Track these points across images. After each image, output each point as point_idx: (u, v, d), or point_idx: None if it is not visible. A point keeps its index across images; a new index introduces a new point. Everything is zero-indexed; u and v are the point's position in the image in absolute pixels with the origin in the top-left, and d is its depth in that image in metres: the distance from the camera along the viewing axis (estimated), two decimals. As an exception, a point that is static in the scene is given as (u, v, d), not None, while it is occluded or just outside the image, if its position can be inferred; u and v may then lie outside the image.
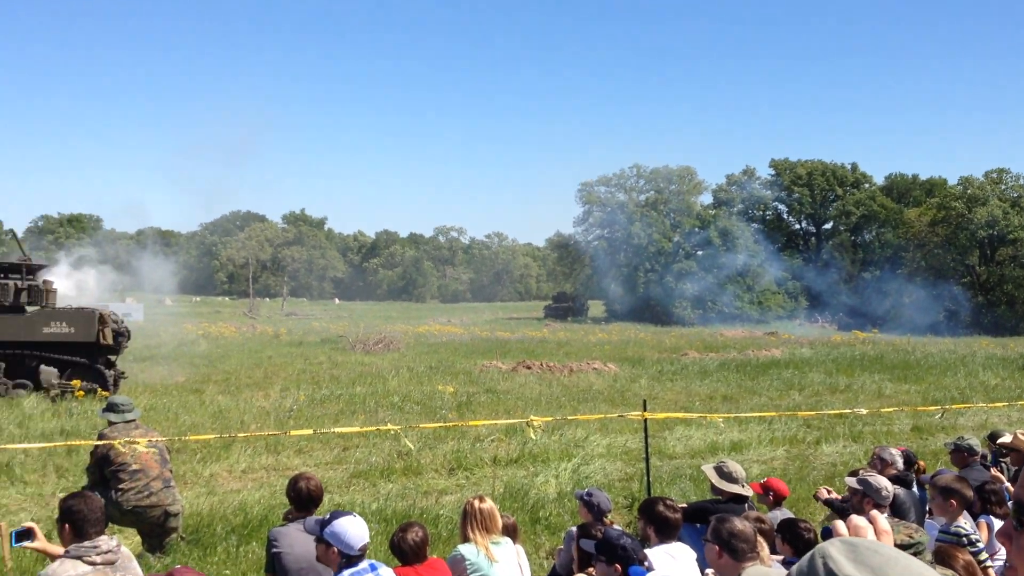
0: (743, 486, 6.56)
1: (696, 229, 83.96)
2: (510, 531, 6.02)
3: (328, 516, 4.75)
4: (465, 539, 5.61)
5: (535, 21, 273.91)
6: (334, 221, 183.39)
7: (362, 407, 17.24)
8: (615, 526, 6.07)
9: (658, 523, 5.33)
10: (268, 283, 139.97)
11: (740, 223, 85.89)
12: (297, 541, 5.45)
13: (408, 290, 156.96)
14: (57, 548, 4.83)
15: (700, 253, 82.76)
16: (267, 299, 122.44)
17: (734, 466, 6.65)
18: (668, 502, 5.49)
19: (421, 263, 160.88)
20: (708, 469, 6.80)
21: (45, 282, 20.02)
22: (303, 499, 5.78)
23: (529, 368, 25.58)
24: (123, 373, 20.33)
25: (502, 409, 17.41)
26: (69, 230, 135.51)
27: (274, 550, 5.52)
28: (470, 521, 5.63)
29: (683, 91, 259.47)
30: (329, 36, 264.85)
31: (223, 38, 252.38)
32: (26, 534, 4.95)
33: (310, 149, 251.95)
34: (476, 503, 5.67)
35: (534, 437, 11.24)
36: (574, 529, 5.95)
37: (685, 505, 6.31)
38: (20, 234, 31.50)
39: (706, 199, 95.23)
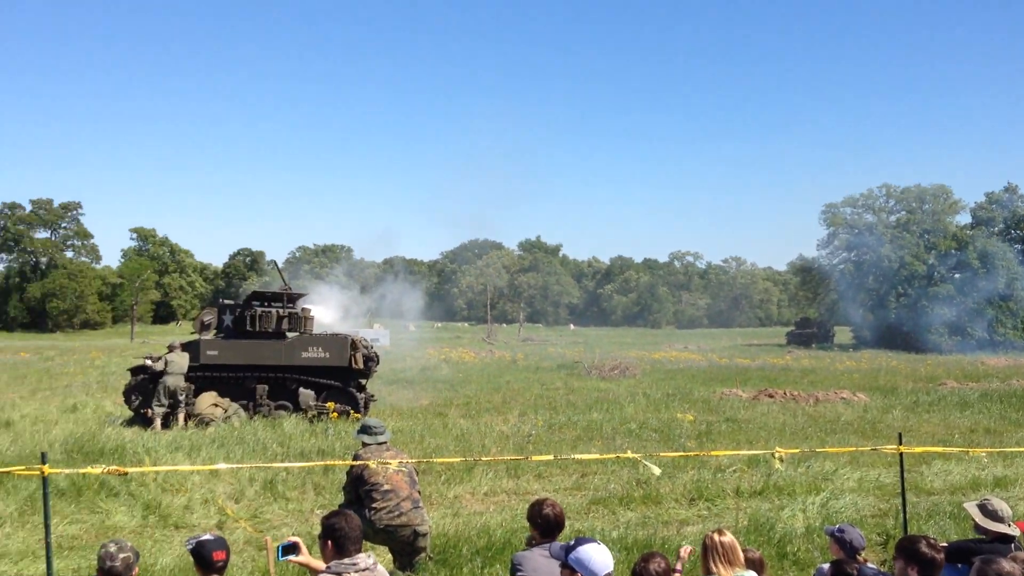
0: (1009, 525, 6.06)
1: (952, 251, 78.93)
2: (756, 566, 5.81)
3: (573, 542, 4.75)
4: (707, 573, 5.45)
5: (769, 37, 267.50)
6: (569, 247, 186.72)
7: (599, 434, 17.26)
8: (870, 564, 5.76)
9: (921, 563, 5.00)
10: (505, 309, 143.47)
11: (1001, 244, 79.88)
12: (541, 566, 5.46)
13: (643, 316, 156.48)
14: (319, 563, 5.08)
15: (957, 276, 77.62)
16: (504, 325, 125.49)
17: (999, 504, 6.15)
18: (931, 541, 5.14)
19: (656, 288, 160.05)
20: (971, 507, 6.32)
21: (303, 309, 21.23)
22: (549, 525, 5.80)
23: (771, 397, 24.79)
24: (373, 396, 21.26)
25: (744, 439, 16.94)
26: (323, 259, 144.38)
27: (519, 574, 5.57)
28: (711, 555, 5.47)
29: (935, 106, 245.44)
30: (564, 65, 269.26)
31: (461, 78, 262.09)
32: (292, 548, 5.24)
33: (546, 176, 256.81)
34: (716, 536, 5.51)
35: (779, 469, 10.85)
36: (826, 567, 5.68)
37: (946, 544, 5.89)
38: (280, 264, 33.75)
39: (963, 219, 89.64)
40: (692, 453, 12.99)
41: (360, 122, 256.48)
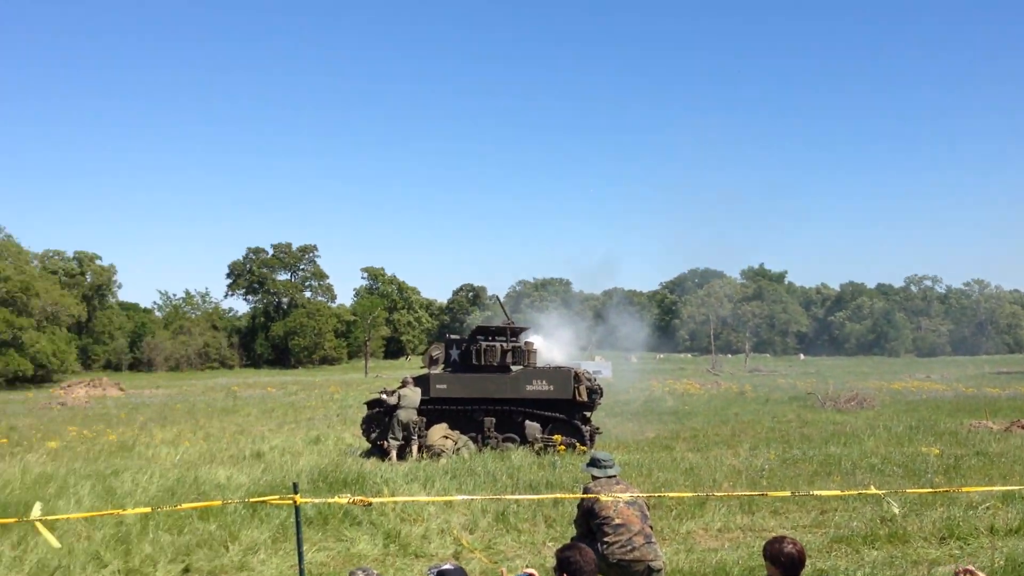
0: None
1: None
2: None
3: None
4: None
5: (1008, 41, 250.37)
6: (795, 274, 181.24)
7: (838, 468, 16.46)
8: None
9: None
10: (729, 339, 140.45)
11: None
12: (784, 607, 5.24)
13: (879, 344, 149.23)
14: (555, 596, 5.08)
15: None
16: (729, 355, 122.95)
17: None
18: None
19: (892, 315, 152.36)
20: None
21: (526, 343, 21.51)
22: (792, 563, 5.56)
23: (1026, 428, 22.94)
24: (598, 429, 21.21)
25: (996, 473, 15.69)
26: (543, 293, 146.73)
27: (761, 615, 5.35)
28: (962, 597, 5.05)
29: None
30: (789, 90, 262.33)
31: (679, 106, 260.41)
32: (528, 580, 5.26)
33: (767, 203, 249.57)
34: (967, 578, 5.09)
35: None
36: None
37: None
38: (502, 298, 34.45)
39: None
40: (941, 489, 12.18)
41: (576, 154, 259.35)
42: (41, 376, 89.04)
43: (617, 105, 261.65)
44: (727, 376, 67.66)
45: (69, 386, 63.92)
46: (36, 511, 6.95)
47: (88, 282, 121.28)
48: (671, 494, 11.68)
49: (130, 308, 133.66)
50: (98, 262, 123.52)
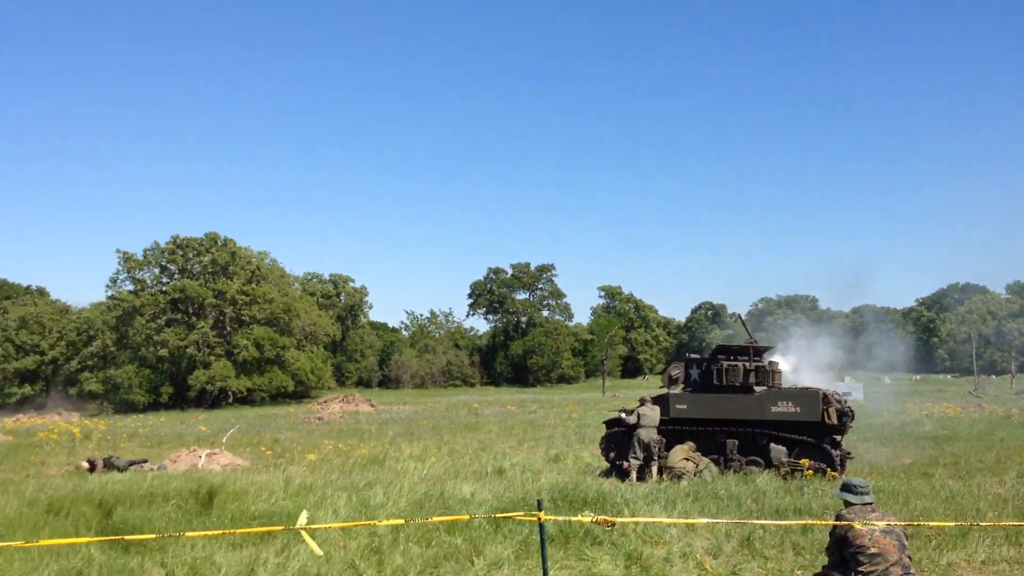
0: None
1: None
2: None
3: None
4: None
5: None
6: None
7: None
8: None
9: None
10: (993, 359, 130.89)
11: None
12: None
13: None
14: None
15: None
16: (993, 376, 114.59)
17: None
18: None
19: None
20: None
21: (771, 363, 20.84)
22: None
23: None
24: (849, 453, 20.23)
25: None
26: (787, 311, 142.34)
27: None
28: None
29: None
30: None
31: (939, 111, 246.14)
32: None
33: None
34: None
35: None
36: None
37: None
38: (744, 316, 33.62)
39: None
40: None
41: (821, 164, 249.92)
42: (300, 392, 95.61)
43: (870, 111, 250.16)
44: (991, 398, 62.99)
45: (325, 402, 68.31)
46: (303, 519, 7.38)
47: (342, 303, 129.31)
48: (930, 523, 10.97)
49: (380, 327, 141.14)
50: (351, 284, 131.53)
